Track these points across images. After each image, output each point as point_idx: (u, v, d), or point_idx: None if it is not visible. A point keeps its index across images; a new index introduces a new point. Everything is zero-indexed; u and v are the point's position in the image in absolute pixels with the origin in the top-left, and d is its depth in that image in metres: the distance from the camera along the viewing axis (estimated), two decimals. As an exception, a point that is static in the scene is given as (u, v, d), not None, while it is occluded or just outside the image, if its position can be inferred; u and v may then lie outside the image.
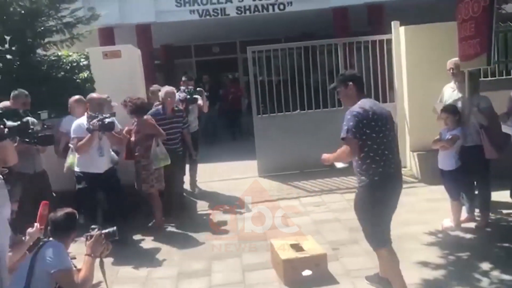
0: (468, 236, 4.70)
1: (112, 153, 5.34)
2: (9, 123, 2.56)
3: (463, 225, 4.86)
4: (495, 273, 3.87)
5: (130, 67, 6.56)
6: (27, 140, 2.79)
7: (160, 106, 5.86)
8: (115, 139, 5.10)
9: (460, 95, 5.00)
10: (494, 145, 4.64)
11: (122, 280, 4.35)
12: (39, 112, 4.96)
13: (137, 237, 5.37)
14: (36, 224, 3.25)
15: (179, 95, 6.52)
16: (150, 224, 5.60)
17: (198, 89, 7.18)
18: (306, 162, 6.96)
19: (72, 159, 5.20)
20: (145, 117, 5.52)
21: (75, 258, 3.92)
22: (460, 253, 4.29)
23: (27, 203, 3.85)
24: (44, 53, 7.18)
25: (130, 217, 5.64)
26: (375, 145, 3.34)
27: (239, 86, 13.73)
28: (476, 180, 4.93)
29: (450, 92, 5.14)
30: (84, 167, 4.93)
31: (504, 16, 8.28)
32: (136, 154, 5.42)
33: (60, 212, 3.17)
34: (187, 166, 6.73)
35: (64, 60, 6.68)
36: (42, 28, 7.07)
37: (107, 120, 4.72)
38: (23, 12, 6.82)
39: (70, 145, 5.28)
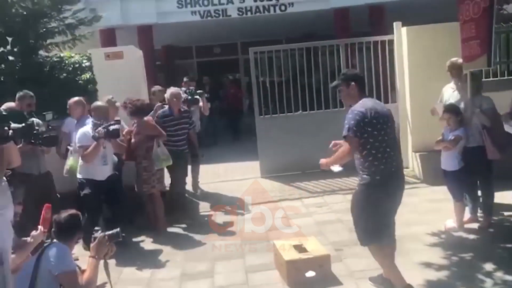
0: (471, 236, 4.69)
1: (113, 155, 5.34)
2: (14, 125, 2.56)
3: (466, 225, 4.86)
4: (498, 274, 3.87)
5: (132, 68, 6.57)
6: (32, 141, 2.79)
7: (167, 107, 5.87)
8: (120, 147, 5.07)
9: (460, 95, 5.00)
10: (497, 145, 4.64)
11: (125, 281, 4.35)
12: (44, 113, 4.98)
13: (139, 238, 5.37)
14: (40, 227, 3.26)
15: (180, 96, 6.53)
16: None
17: (198, 91, 7.18)
18: (308, 163, 6.92)
19: (72, 161, 5.20)
20: (145, 118, 5.52)
21: (78, 260, 3.93)
22: (463, 254, 4.29)
23: (32, 204, 3.85)
24: (46, 54, 7.19)
25: (132, 218, 5.66)
26: (377, 143, 3.38)
27: (239, 87, 13.75)
28: (478, 181, 4.93)
29: (451, 93, 5.14)
30: (87, 175, 4.90)
31: (505, 17, 8.30)
32: (137, 155, 5.41)
33: (64, 214, 3.19)
34: (189, 167, 6.73)
35: (66, 61, 6.68)
36: (44, 29, 7.08)
37: (112, 127, 4.70)
38: (25, 13, 6.84)
39: (69, 147, 5.28)
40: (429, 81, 6.26)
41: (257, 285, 4.06)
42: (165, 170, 5.72)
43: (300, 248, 4.12)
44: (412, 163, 7.01)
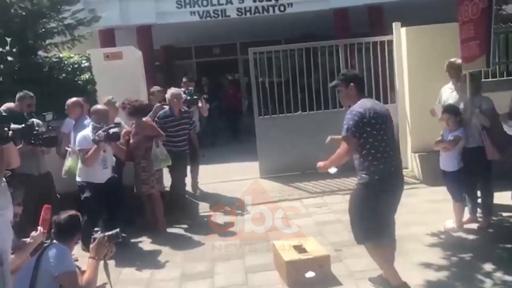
0: (471, 237, 4.70)
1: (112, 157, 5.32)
2: (14, 125, 2.56)
3: (465, 226, 4.86)
4: (498, 274, 3.87)
5: (132, 68, 6.56)
6: (32, 141, 2.79)
7: (167, 108, 5.87)
8: (120, 150, 5.05)
9: (458, 96, 5.00)
10: (496, 146, 4.65)
11: (125, 282, 4.35)
12: (44, 113, 4.97)
13: (139, 239, 5.37)
14: (40, 228, 3.26)
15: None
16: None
17: (194, 97, 7.17)
18: (308, 163, 6.89)
19: (70, 162, 5.19)
20: (144, 119, 5.51)
21: (77, 260, 3.93)
22: (462, 254, 4.30)
23: (32, 205, 3.85)
24: (46, 54, 7.19)
25: (132, 219, 5.65)
26: (376, 142, 3.41)
27: (238, 87, 13.74)
28: (478, 181, 4.93)
29: (449, 93, 5.14)
30: (87, 178, 4.87)
31: (504, 17, 8.30)
32: (135, 156, 5.41)
33: (64, 215, 3.18)
34: (188, 168, 6.73)
35: (66, 62, 6.68)
36: (43, 29, 7.09)
37: (112, 131, 4.68)
38: (24, 13, 6.84)
39: (67, 148, 5.27)
40: (429, 81, 6.27)
41: (256, 286, 4.06)
42: (164, 170, 5.72)
43: (299, 249, 4.12)
44: (411, 163, 7.01)
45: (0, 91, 5.80)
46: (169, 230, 5.57)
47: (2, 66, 6.69)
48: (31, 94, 5.05)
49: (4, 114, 2.74)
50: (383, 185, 3.44)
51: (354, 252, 4.42)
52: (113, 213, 4.98)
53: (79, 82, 6.48)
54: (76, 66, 6.63)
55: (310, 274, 3.95)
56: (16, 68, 6.65)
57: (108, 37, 11.03)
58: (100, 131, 4.67)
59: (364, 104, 3.45)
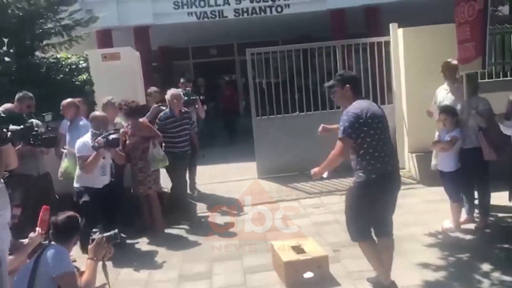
0: (468, 237, 4.72)
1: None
2: (12, 126, 2.56)
3: (462, 226, 4.88)
4: (495, 274, 3.89)
5: (129, 69, 6.56)
6: (31, 142, 2.78)
7: (167, 109, 5.87)
8: (119, 156, 5.03)
9: (453, 97, 5.02)
10: (493, 146, 4.67)
11: (123, 282, 4.35)
12: (43, 114, 4.96)
13: (137, 239, 5.35)
14: (38, 229, 3.25)
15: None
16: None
17: (192, 98, 7.16)
18: (305, 164, 6.87)
19: (67, 163, 5.18)
20: (140, 119, 5.51)
21: (75, 261, 3.92)
22: (460, 254, 4.31)
23: (31, 205, 3.84)
24: (43, 55, 7.17)
25: (130, 220, 5.64)
26: (374, 142, 3.43)
27: (235, 88, 13.73)
28: (475, 182, 4.95)
29: (444, 94, 5.16)
30: (85, 183, 4.83)
31: (500, 18, 8.35)
32: (132, 157, 5.40)
33: (62, 216, 3.17)
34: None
35: (63, 63, 6.67)
36: (40, 30, 7.08)
37: (111, 137, 4.64)
38: (21, 14, 6.82)
39: (62, 150, 5.25)
40: (426, 82, 6.28)
41: (255, 286, 4.06)
42: (161, 170, 5.71)
43: (298, 249, 4.12)
44: (408, 164, 7.03)
45: (-3, 91, 5.79)
46: (167, 230, 5.57)
47: (-1, 66, 6.68)
48: (31, 94, 5.04)
49: (2, 115, 2.74)
50: (380, 184, 3.46)
51: (352, 253, 4.43)
52: (111, 216, 4.95)
53: (77, 83, 6.47)
54: (74, 67, 6.62)
55: (308, 274, 3.95)
56: (13, 69, 6.63)
57: (105, 38, 11.02)
58: (99, 138, 4.63)
59: (360, 105, 3.47)
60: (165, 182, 6.06)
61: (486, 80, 6.61)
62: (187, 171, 6.75)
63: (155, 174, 5.48)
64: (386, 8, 11.11)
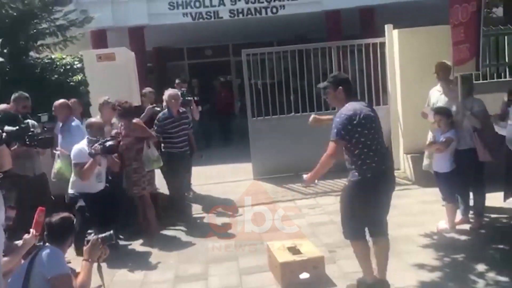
0: (463, 238, 4.74)
1: None
2: (7, 127, 2.54)
3: (457, 227, 4.90)
4: (491, 275, 3.91)
5: (124, 69, 6.55)
6: (27, 142, 2.76)
7: (166, 110, 5.84)
8: (115, 164, 4.99)
9: (447, 98, 5.04)
10: (488, 147, 4.69)
11: (119, 284, 4.33)
12: (39, 114, 4.92)
13: (132, 241, 5.33)
14: (32, 231, 3.22)
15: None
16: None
17: (187, 98, 7.15)
18: (301, 165, 6.91)
19: (59, 164, 5.14)
20: (134, 120, 5.48)
21: (70, 262, 3.90)
22: (455, 255, 4.33)
23: (26, 206, 3.81)
24: (37, 55, 7.12)
25: (126, 221, 5.61)
26: (368, 141, 3.46)
27: (231, 89, 13.71)
28: (470, 183, 4.97)
29: (438, 95, 5.19)
30: (81, 189, 4.77)
31: (495, 20, 8.40)
32: (126, 157, 5.37)
33: (56, 217, 3.14)
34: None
35: (58, 63, 6.63)
36: (34, 30, 7.01)
37: (108, 143, 4.59)
38: (15, 14, 6.76)
39: (54, 151, 5.22)
40: (421, 83, 6.31)
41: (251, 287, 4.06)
42: (157, 171, 5.69)
43: (294, 250, 4.12)
44: (403, 164, 7.05)
45: (-8, 92, 5.74)
46: (163, 232, 5.55)
47: (-8, 67, 6.62)
48: (26, 95, 5.01)
49: (-2, 116, 2.72)
50: (374, 183, 3.48)
51: (348, 253, 4.41)
52: (111, 217, 4.90)
53: (72, 83, 6.44)
54: (69, 67, 6.59)
55: (304, 275, 3.95)
56: (7, 69, 6.58)
57: (100, 38, 10.96)
58: (96, 144, 4.58)
59: (352, 107, 3.49)
60: (160, 183, 6.04)
61: (481, 81, 6.65)
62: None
63: (149, 174, 5.46)
64: (381, 9, 11.14)
